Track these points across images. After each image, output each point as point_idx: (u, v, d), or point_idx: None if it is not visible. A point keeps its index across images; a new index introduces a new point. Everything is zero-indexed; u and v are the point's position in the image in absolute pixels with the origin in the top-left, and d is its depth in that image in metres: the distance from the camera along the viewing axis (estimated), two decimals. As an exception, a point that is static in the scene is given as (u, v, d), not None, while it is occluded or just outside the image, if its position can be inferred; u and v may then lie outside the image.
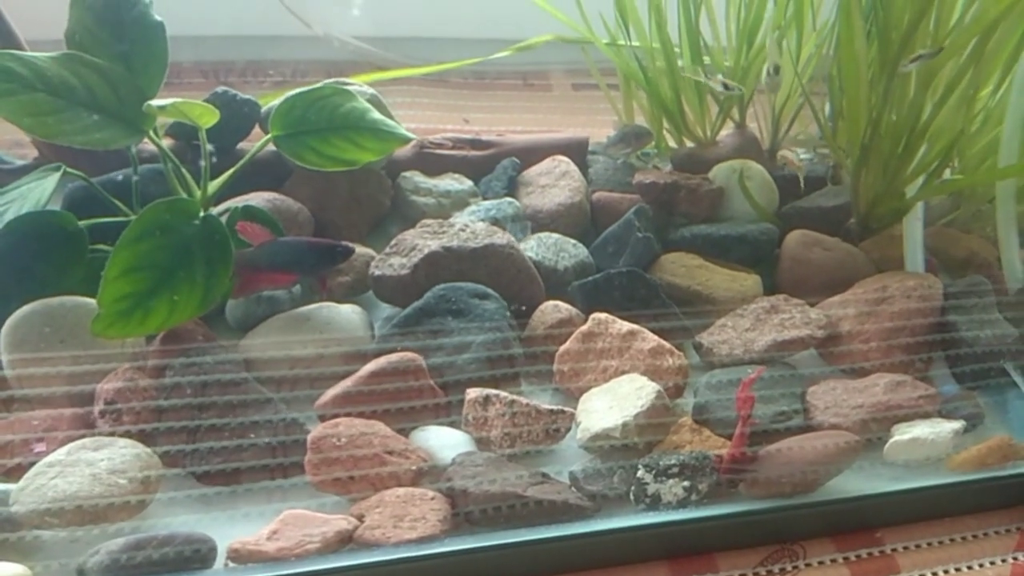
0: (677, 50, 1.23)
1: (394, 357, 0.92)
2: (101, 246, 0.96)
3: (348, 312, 0.99)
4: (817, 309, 1.05)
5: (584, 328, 0.99)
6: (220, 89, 1.15)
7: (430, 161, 1.25)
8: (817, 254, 1.12)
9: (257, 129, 1.19)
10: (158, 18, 0.95)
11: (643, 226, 1.10)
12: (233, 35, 1.63)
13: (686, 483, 0.85)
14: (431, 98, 1.71)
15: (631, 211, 1.11)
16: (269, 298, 1.00)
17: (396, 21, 1.67)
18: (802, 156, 1.31)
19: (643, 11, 1.23)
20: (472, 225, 1.05)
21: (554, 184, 1.20)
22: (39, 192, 0.91)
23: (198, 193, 1.02)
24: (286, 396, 0.92)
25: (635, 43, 1.24)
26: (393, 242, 1.05)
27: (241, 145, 1.19)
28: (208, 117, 0.93)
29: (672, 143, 1.34)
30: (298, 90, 1.14)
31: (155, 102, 0.86)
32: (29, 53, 0.88)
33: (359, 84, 1.20)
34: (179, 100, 0.88)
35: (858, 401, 0.95)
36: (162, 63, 0.94)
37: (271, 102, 1.19)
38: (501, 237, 1.04)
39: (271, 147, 1.19)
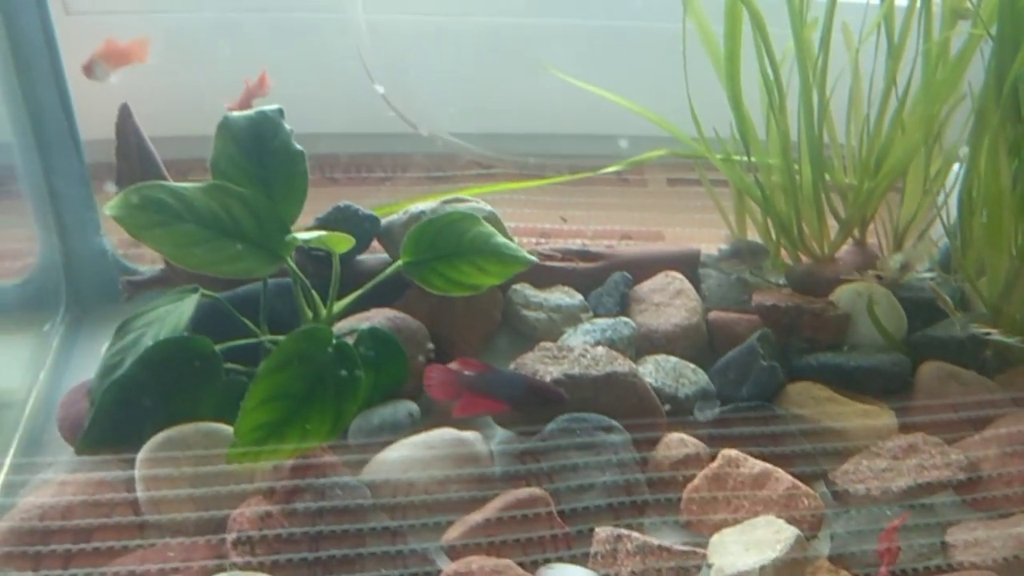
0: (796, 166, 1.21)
1: (522, 493, 0.90)
2: (231, 365, 0.97)
3: (471, 439, 0.98)
4: (956, 448, 1.01)
5: (714, 466, 0.96)
6: (343, 203, 1.18)
7: (539, 272, 1.24)
8: (953, 388, 1.08)
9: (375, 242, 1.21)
10: (299, 147, 0.98)
11: (767, 353, 1.07)
12: (338, 132, 1.69)
13: (824, 623, 0.81)
14: (527, 194, 1.72)
15: (754, 337, 1.08)
16: (392, 422, 0.99)
17: (494, 117, 1.70)
18: (924, 275, 1.27)
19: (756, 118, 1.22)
20: (592, 350, 1.04)
21: (669, 303, 1.18)
22: (176, 317, 0.93)
23: (323, 311, 1.03)
24: (409, 522, 0.91)
25: (753, 158, 1.22)
26: (512, 366, 1.04)
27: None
28: (343, 244, 0.95)
29: (786, 257, 1.31)
30: (422, 207, 1.17)
31: (300, 235, 0.88)
32: (177, 184, 0.91)
33: (475, 200, 1.21)
34: (322, 233, 0.89)
35: (1000, 541, 0.90)
36: (302, 191, 0.96)
37: (389, 216, 1.21)
38: (623, 364, 1.02)
39: (387, 259, 1.22)
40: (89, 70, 1.11)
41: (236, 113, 0.98)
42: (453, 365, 0.99)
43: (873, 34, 1.12)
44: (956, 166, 1.22)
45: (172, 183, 0.90)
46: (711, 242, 1.63)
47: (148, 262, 1.31)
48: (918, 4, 1.04)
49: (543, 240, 1.62)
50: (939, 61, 1.05)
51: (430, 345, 1.09)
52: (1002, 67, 0.96)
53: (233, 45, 1.55)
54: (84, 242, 1.22)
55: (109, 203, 0.88)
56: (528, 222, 1.67)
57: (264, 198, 0.93)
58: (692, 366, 1.10)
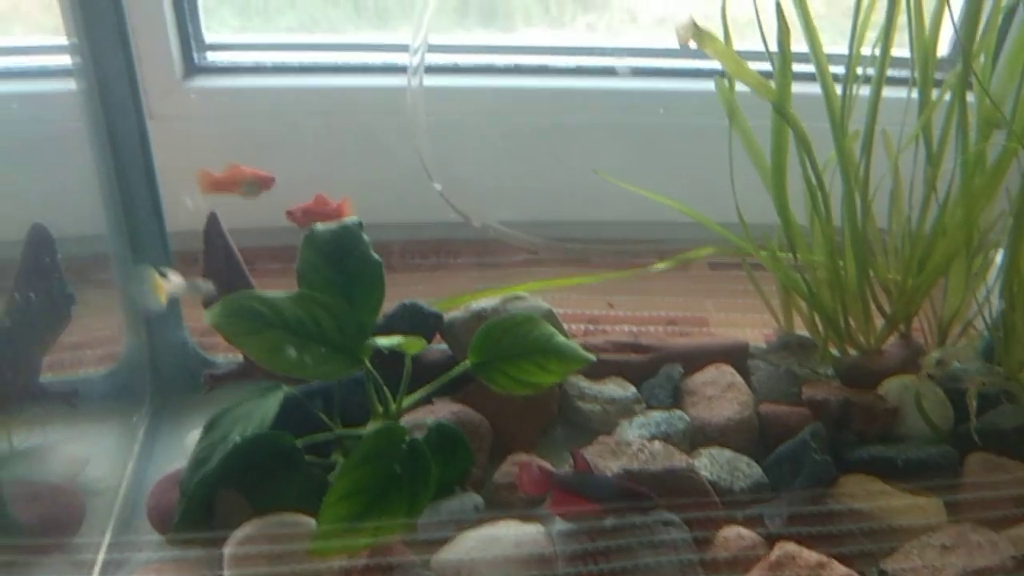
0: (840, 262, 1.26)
1: (586, 586, 0.94)
2: (309, 457, 1.04)
3: (533, 532, 1.02)
4: (1004, 536, 1.03)
5: (771, 558, 0.99)
6: (408, 301, 1.25)
7: (593, 365, 1.28)
8: (1000, 479, 1.10)
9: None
10: (376, 257, 1.06)
11: (819, 447, 1.10)
12: (394, 222, 1.79)
13: None
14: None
15: (806, 431, 1.12)
16: (459, 513, 1.04)
17: (541, 206, 1.78)
18: (968, 366, 1.30)
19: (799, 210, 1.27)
20: (649, 445, 1.09)
21: (721, 396, 1.23)
22: (262, 414, 1.00)
23: (393, 405, 1.09)
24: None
25: (799, 256, 1.28)
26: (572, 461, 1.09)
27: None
28: (416, 347, 1.02)
29: (833, 348, 1.35)
30: (483, 304, 1.24)
31: (379, 340, 0.95)
32: (268, 293, 0.99)
33: (533, 298, 1.28)
34: (399, 339, 0.97)
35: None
36: (379, 297, 1.04)
37: (451, 311, 1.29)
38: (680, 460, 1.07)
39: (448, 352, 1.28)
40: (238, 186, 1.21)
41: (321, 226, 1.06)
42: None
43: (912, 143, 1.18)
44: (999, 257, 1.26)
45: (264, 292, 0.98)
46: (755, 327, 1.67)
47: (221, 350, 1.39)
48: (955, 116, 1.10)
49: (592, 326, 1.68)
50: (976, 169, 1.11)
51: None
52: (1037, 177, 1.01)
53: (299, 144, 1.67)
54: (167, 334, 1.31)
55: (208, 311, 0.96)
56: (576, 308, 1.73)
57: (345, 304, 1.01)
58: (746, 459, 1.14)
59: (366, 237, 1.07)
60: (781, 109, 1.02)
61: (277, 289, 1.62)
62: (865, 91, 1.15)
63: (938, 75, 1.20)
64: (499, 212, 1.72)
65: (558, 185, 1.77)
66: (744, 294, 1.65)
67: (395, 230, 1.83)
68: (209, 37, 1.66)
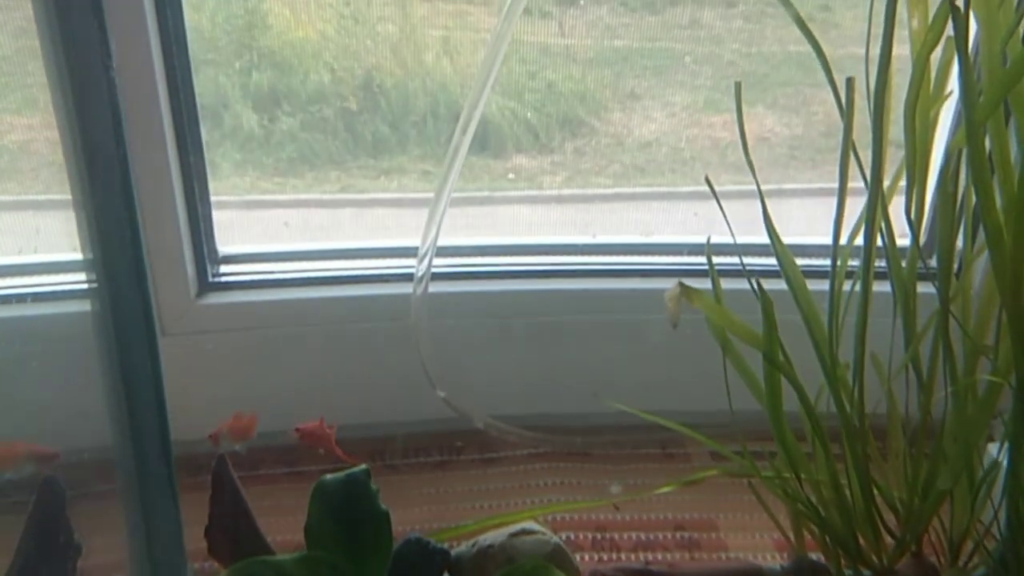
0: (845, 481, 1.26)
1: None
2: None
3: None
4: None
5: None
6: (413, 536, 1.24)
7: (605, 593, 1.28)
8: None
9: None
10: (384, 508, 1.07)
11: None
12: (396, 421, 1.81)
13: None
14: (576, 476, 1.78)
15: (826, 675, 1.09)
16: None
17: (544, 400, 1.81)
18: (983, 581, 1.28)
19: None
20: None
21: (737, 631, 1.20)
22: None
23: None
24: None
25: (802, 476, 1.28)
26: None
27: None
28: (424, 602, 1.01)
29: (846, 566, 1.33)
30: (489, 540, 1.23)
31: (387, 608, 0.95)
32: (275, 558, 0.99)
33: (542, 530, 1.27)
34: (408, 604, 0.96)
35: None
36: (387, 551, 1.04)
37: (457, 547, 1.28)
38: None
39: (454, 583, 1.26)
40: (216, 440, 1.25)
41: (330, 477, 1.07)
42: None
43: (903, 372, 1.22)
44: (1004, 467, 1.26)
45: (271, 558, 0.98)
46: (766, 531, 1.65)
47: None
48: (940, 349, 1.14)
49: (599, 535, 1.66)
50: (967, 397, 1.14)
51: None
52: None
53: (307, 352, 1.72)
54: (172, 570, 1.28)
55: (216, 580, 0.95)
56: (580, 512, 1.71)
57: (349, 561, 1.00)
58: None
59: (374, 486, 1.08)
60: (771, 358, 1.06)
61: (284, 498, 1.62)
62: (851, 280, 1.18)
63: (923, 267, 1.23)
64: (501, 407, 1.75)
65: (559, 379, 1.81)
66: (749, 490, 1.64)
67: (399, 427, 1.86)
68: (220, 243, 1.71)
